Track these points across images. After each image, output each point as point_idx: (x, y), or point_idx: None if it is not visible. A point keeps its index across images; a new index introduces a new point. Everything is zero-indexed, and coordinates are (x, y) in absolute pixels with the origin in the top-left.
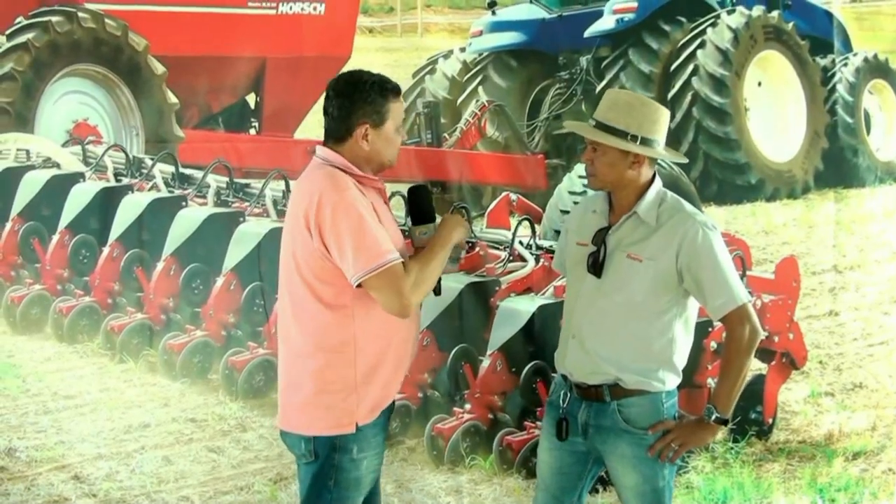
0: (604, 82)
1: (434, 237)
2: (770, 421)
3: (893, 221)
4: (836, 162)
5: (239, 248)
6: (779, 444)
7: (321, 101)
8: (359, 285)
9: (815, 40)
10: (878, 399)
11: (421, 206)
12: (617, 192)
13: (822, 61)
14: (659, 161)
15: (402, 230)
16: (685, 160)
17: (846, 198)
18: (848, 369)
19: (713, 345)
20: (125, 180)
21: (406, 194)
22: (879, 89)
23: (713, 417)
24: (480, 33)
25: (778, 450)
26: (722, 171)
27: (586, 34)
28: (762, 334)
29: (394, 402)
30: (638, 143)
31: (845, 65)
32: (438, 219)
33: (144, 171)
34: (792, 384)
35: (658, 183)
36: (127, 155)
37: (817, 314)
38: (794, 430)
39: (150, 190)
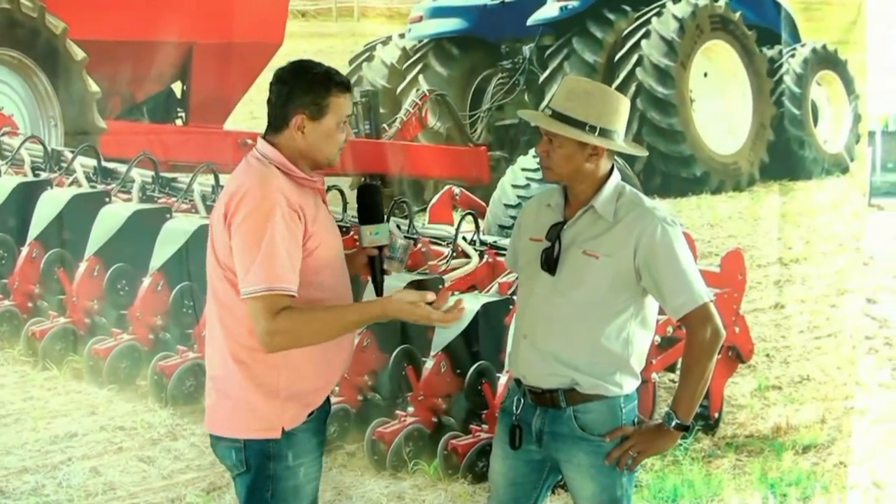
0: (547, 72)
1: (362, 306)
2: (716, 415)
3: (839, 213)
4: (783, 154)
5: (166, 246)
6: (726, 439)
7: (251, 91)
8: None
9: (762, 30)
10: (826, 392)
11: (370, 206)
12: (573, 186)
13: (770, 52)
14: None
15: (341, 227)
16: (645, 153)
17: (792, 190)
18: (795, 362)
19: (657, 339)
20: (44, 175)
21: (346, 191)
22: (828, 81)
23: (673, 423)
24: (420, 19)
25: (726, 444)
26: (666, 164)
27: (529, 22)
28: (724, 335)
29: (329, 405)
30: (597, 134)
31: (793, 56)
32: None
33: (64, 164)
34: (738, 378)
35: (616, 176)
36: (45, 147)
37: (763, 307)
38: (740, 424)
39: (70, 185)
